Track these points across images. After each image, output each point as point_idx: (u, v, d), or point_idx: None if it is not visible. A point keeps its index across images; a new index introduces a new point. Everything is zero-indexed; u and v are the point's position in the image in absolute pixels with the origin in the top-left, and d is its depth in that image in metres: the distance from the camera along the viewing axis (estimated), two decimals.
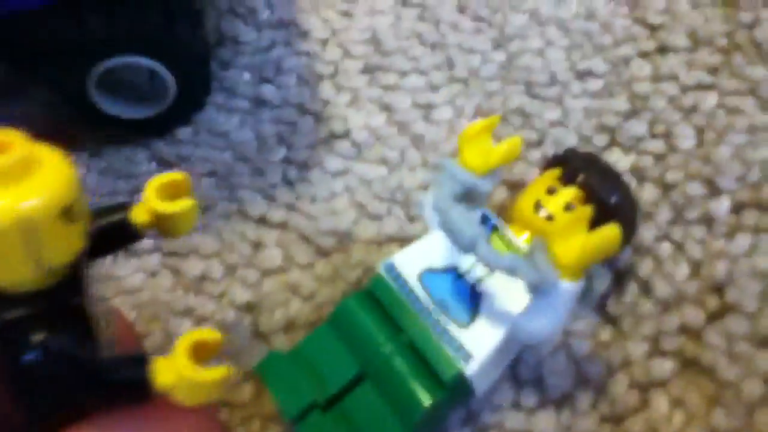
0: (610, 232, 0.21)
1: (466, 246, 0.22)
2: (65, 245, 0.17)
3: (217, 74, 0.32)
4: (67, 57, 0.27)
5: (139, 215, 0.19)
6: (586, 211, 0.22)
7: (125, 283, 0.28)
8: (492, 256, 0.21)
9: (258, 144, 0.31)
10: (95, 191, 0.30)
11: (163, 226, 0.20)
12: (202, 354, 0.18)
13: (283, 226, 0.29)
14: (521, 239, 0.24)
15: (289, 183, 0.30)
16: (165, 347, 0.26)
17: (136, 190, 0.30)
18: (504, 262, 0.21)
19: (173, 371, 0.17)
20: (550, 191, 0.25)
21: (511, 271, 0.21)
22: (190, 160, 0.31)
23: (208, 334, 0.18)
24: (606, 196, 0.25)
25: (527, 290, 0.22)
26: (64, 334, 0.17)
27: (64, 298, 0.17)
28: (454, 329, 0.23)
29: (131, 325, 0.24)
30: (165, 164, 0.31)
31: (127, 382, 0.17)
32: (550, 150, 0.30)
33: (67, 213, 0.16)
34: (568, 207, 0.24)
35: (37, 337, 0.16)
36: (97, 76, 0.28)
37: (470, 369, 0.22)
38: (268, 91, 0.32)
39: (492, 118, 0.24)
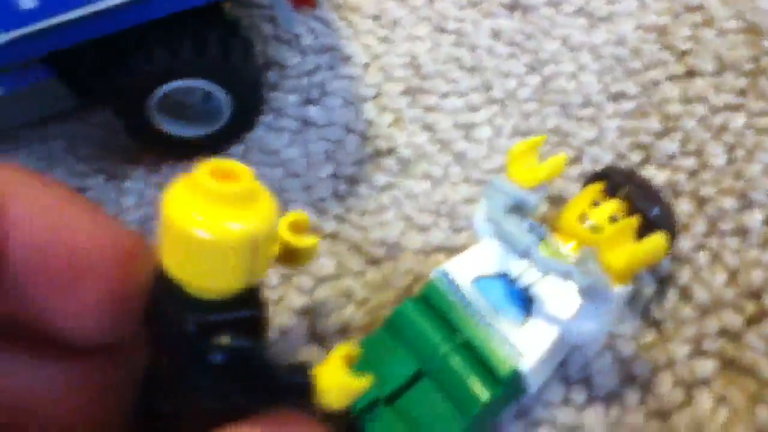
0: (658, 240, 0.23)
1: (522, 252, 0.23)
2: (267, 261, 0.18)
3: (265, 96, 0.34)
4: (135, 83, 0.29)
5: None
6: (633, 221, 0.23)
7: None
8: (549, 261, 0.23)
9: (307, 161, 0.32)
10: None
11: (288, 257, 0.23)
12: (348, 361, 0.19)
13: (334, 236, 0.30)
14: (567, 248, 0.26)
15: (338, 197, 0.31)
16: None
17: None
18: (561, 267, 0.23)
19: (331, 378, 0.19)
20: (595, 204, 0.27)
21: (567, 276, 0.22)
22: None
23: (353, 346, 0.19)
24: (647, 208, 0.26)
25: (579, 295, 0.23)
26: (247, 339, 0.18)
27: (247, 306, 0.18)
28: (507, 330, 0.24)
29: None
30: None
31: (293, 385, 0.19)
32: (587, 167, 0.31)
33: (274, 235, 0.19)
34: (612, 218, 0.26)
35: (225, 340, 0.17)
36: (158, 99, 0.29)
37: (525, 366, 0.23)
38: (314, 111, 0.34)
39: (537, 138, 0.26)
